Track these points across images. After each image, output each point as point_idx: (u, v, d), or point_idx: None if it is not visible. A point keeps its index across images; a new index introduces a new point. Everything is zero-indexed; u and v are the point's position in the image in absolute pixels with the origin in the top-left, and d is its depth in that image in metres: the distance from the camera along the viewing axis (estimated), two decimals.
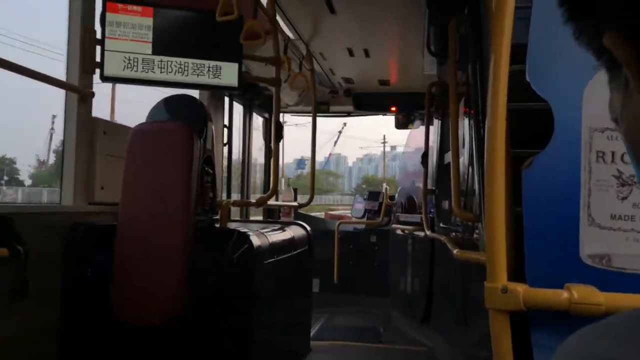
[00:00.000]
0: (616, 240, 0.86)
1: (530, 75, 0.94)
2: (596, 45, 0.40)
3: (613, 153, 0.87)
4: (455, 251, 1.85)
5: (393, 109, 4.77)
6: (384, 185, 5.28)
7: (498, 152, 0.88)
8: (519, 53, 1.03)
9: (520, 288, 0.84)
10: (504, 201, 0.88)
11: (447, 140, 3.10)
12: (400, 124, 4.80)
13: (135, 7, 2.52)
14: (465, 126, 2.47)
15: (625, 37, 0.33)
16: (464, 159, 2.43)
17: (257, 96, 4.26)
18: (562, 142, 0.91)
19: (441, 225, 3.28)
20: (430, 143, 3.74)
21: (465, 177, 2.37)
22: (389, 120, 5.08)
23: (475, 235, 2.09)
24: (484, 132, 1.96)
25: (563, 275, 0.85)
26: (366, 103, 4.77)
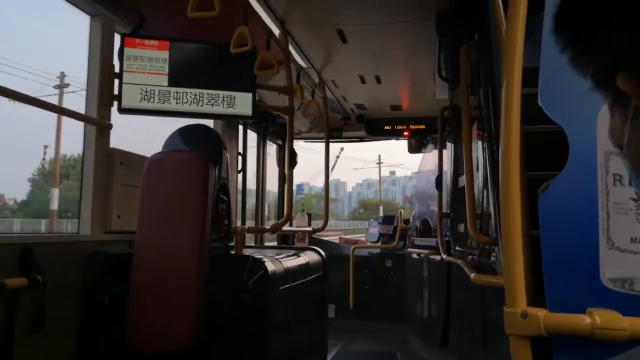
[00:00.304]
0: (638, 263, 0.85)
1: (542, 99, 0.95)
2: (599, 78, 0.41)
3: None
4: (472, 275, 1.83)
5: (406, 133, 4.79)
6: (399, 210, 5.26)
7: (513, 176, 0.88)
8: (530, 76, 1.04)
9: (541, 313, 0.84)
10: (520, 225, 0.88)
11: (461, 164, 3.11)
12: (414, 149, 4.81)
13: (152, 42, 2.60)
14: (478, 149, 2.48)
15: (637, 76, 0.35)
16: (478, 182, 2.42)
17: (270, 124, 4.32)
18: (577, 166, 0.91)
19: (457, 248, 3.25)
20: (444, 166, 3.74)
21: (481, 200, 2.36)
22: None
23: (492, 259, 2.08)
24: (498, 155, 1.97)
25: (584, 300, 0.84)
26: (379, 128, 4.79)
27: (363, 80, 3.83)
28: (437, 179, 3.70)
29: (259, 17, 2.69)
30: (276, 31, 2.85)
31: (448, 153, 3.80)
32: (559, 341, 0.87)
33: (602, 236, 0.87)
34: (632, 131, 0.39)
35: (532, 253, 1.04)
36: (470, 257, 2.72)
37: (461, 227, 3.11)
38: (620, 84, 0.37)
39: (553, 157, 1.20)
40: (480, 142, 2.42)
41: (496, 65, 1.97)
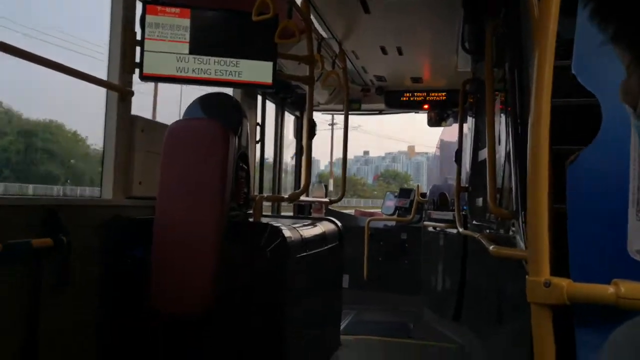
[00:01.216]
0: None
1: (575, 67, 0.93)
2: (620, 36, 0.41)
3: None
4: (491, 247, 1.84)
5: (425, 106, 4.73)
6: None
7: (542, 149, 0.87)
8: (560, 49, 1.02)
9: (564, 282, 0.84)
10: (547, 197, 0.88)
11: (482, 137, 3.07)
12: (433, 122, 4.76)
13: (173, 9, 2.58)
14: (501, 123, 2.44)
15: None
16: (499, 156, 2.40)
17: (289, 94, 4.30)
18: (609, 135, 0.90)
19: (474, 222, 3.25)
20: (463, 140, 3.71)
21: (501, 174, 2.35)
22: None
23: (510, 232, 2.07)
24: (522, 129, 1.94)
25: (609, 271, 0.84)
26: (398, 101, 4.75)
27: (384, 52, 3.77)
28: (456, 152, 3.67)
29: None
30: (298, 0, 2.81)
31: (468, 127, 3.76)
32: (581, 312, 0.87)
33: (631, 208, 0.86)
34: None
35: (555, 228, 1.04)
36: (487, 230, 2.72)
37: (479, 201, 3.10)
38: None
39: (578, 131, 1.18)
40: (503, 117, 2.39)
41: (524, 38, 1.93)
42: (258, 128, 3.94)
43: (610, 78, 0.89)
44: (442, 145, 5.00)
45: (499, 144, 2.42)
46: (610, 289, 0.79)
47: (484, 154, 2.71)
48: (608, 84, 0.84)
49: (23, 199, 2.07)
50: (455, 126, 4.10)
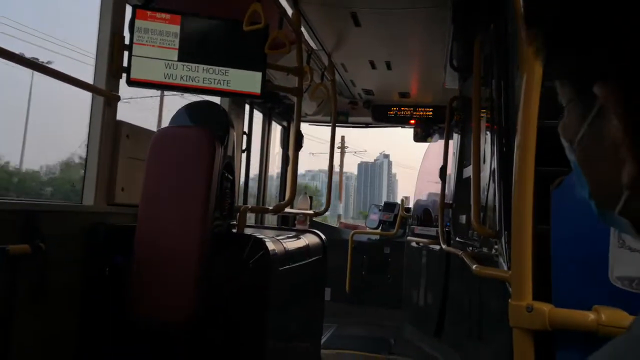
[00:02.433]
0: None
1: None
2: (571, 79, 0.42)
3: None
4: (474, 267, 1.84)
5: (412, 121, 4.77)
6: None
7: (527, 172, 0.88)
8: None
9: (546, 307, 0.84)
10: (531, 220, 0.88)
11: (467, 155, 3.10)
12: (419, 137, 4.79)
13: (163, 15, 2.57)
14: (487, 141, 2.47)
15: (617, 87, 0.37)
16: (484, 174, 2.42)
17: (277, 105, 4.30)
18: None
19: (457, 239, 3.26)
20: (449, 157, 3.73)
21: (485, 192, 2.36)
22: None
23: (493, 251, 2.08)
24: (507, 148, 1.95)
25: (590, 297, 0.85)
26: (385, 115, 4.77)
27: (373, 66, 3.80)
28: (441, 168, 3.69)
29: None
30: (289, 11, 2.82)
31: (454, 144, 3.79)
32: (562, 337, 0.87)
33: (613, 234, 0.86)
34: (589, 130, 0.41)
35: (538, 247, 1.04)
36: (470, 248, 2.73)
37: (463, 218, 3.11)
38: (599, 92, 0.38)
39: (561, 153, 1.19)
40: (489, 134, 2.41)
41: (512, 58, 1.95)
42: (245, 137, 3.92)
43: None
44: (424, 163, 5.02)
45: (484, 162, 2.43)
46: (591, 316, 0.80)
47: (468, 171, 2.73)
48: None
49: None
50: (439, 143, 4.12)
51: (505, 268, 1.67)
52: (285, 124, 4.75)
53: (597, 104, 0.40)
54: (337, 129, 4.12)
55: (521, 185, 0.85)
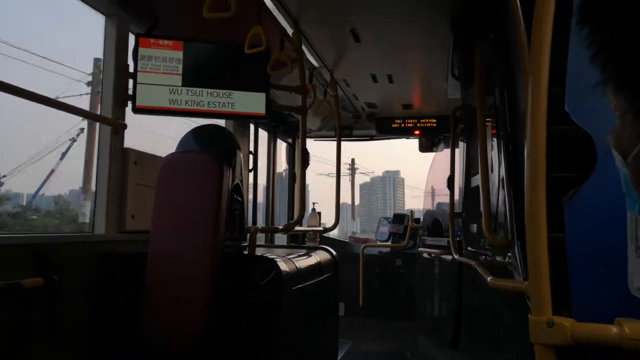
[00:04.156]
0: None
1: (569, 105, 0.94)
2: (620, 81, 0.41)
3: None
4: (489, 279, 1.82)
5: (417, 132, 4.77)
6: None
7: (539, 180, 0.87)
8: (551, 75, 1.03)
9: (568, 322, 0.83)
10: (546, 233, 0.88)
11: (474, 163, 3.09)
12: (425, 147, 4.79)
13: (166, 42, 2.60)
14: (493, 149, 2.46)
15: None
16: (492, 183, 2.41)
17: (281, 122, 4.32)
18: (605, 173, 0.90)
19: (469, 248, 3.24)
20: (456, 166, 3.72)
21: (495, 201, 2.35)
22: None
23: (507, 259, 2.06)
24: (513, 156, 1.95)
25: (612, 310, 0.84)
26: (389, 127, 4.78)
27: (375, 79, 3.82)
28: (449, 178, 3.68)
29: (273, 17, 2.69)
30: (289, 30, 2.85)
31: (460, 153, 3.78)
32: (585, 351, 0.86)
33: (630, 245, 0.86)
34: None
35: (554, 256, 1.03)
36: (483, 257, 2.71)
37: (473, 227, 3.09)
38: None
39: (575, 158, 1.18)
40: (495, 142, 2.41)
41: (513, 66, 1.96)
42: (251, 157, 3.94)
43: (605, 119, 0.89)
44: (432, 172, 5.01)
45: (492, 171, 2.43)
46: (614, 329, 0.78)
47: (476, 180, 2.72)
48: (602, 124, 0.84)
49: (12, 238, 2.04)
50: (446, 152, 4.11)
51: (521, 278, 1.65)
52: (290, 140, 4.77)
53: None
54: (345, 146, 4.12)
55: (534, 194, 0.84)
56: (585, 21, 0.43)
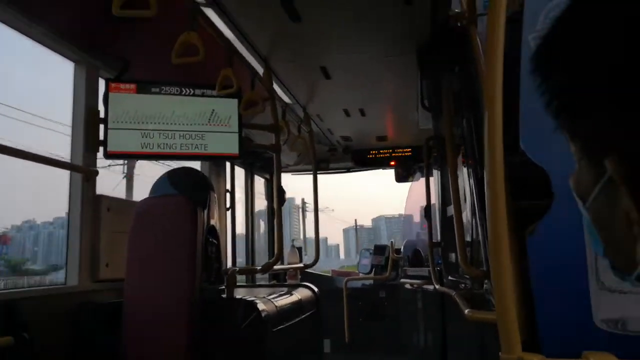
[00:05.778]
0: (627, 303, 0.85)
1: (524, 142, 0.96)
2: (574, 127, 0.42)
3: None
4: (466, 311, 1.82)
5: (392, 162, 4.82)
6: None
7: (500, 214, 0.87)
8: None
9: (536, 359, 0.83)
10: (511, 270, 0.88)
11: (448, 192, 3.12)
12: (401, 177, 4.84)
13: (135, 86, 2.61)
14: (464, 178, 2.49)
15: (625, 162, 0.36)
16: (466, 212, 2.43)
17: (257, 159, 4.33)
18: (562, 208, 0.92)
19: (450, 278, 3.24)
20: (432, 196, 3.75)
21: (470, 229, 2.37)
22: None
23: (485, 287, 2.06)
24: (482, 185, 1.97)
25: (580, 343, 0.84)
26: (365, 159, 4.83)
27: (347, 114, 3.87)
28: (425, 208, 3.71)
29: (243, 58, 2.73)
30: (260, 70, 2.88)
31: (435, 182, 3.82)
32: None
33: (591, 277, 0.87)
34: (601, 195, 0.40)
35: (524, 283, 1.04)
36: (462, 285, 2.71)
37: (452, 257, 3.10)
38: (610, 165, 0.37)
39: (543, 184, 1.20)
40: (465, 171, 2.44)
41: (478, 95, 2.01)
42: (228, 195, 3.92)
43: (559, 152, 0.92)
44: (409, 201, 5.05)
45: (465, 200, 2.45)
46: None
47: (451, 209, 2.74)
48: (557, 157, 0.86)
49: None
50: (422, 181, 4.16)
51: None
52: (267, 176, 4.77)
53: (607, 173, 0.39)
54: (321, 187, 4.13)
55: (495, 232, 0.85)
56: (536, 71, 0.45)
